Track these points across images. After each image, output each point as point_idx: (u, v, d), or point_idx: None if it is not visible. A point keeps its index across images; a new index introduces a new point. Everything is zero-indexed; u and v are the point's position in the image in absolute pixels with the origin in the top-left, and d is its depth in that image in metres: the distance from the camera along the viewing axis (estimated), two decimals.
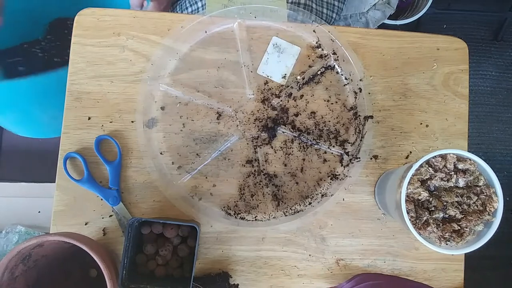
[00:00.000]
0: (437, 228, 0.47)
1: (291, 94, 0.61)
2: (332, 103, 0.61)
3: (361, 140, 0.59)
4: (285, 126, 0.60)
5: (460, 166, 0.48)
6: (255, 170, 0.59)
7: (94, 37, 0.60)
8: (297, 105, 0.61)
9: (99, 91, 0.59)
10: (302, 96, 0.61)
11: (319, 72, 0.61)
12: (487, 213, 0.47)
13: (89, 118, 0.59)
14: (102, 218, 0.58)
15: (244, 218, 0.58)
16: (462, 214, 0.47)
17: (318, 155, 0.60)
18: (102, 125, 0.59)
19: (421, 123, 0.61)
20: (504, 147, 1.43)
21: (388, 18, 0.84)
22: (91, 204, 0.58)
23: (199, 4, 0.71)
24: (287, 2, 0.68)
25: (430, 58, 0.63)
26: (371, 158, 0.60)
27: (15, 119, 0.96)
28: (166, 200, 0.58)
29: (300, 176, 0.59)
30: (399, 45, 0.63)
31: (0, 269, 0.46)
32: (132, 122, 0.59)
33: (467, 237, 0.47)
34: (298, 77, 0.61)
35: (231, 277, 0.57)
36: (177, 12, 0.78)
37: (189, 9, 0.74)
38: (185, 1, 0.75)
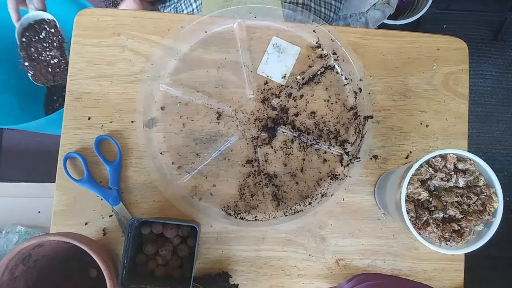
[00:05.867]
0: (437, 228, 0.47)
1: (291, 94, 0.61)
2: (332, 103, 0.61)
3: (361, 140, 0.59)
4: (285, 126, 0.60)
5: (460, 166, 0.48)
6: (255, 170, 0.59)
7: (94, 37, 0.60)
8: (297, 105, 0.61)
9: (99, 91, 0.59)
10: (302, 96, 0.61)
11: (319, 72, 0.61)
12: (487, 213, 0.47)
13: (89, 118, 0.59)
14: (102, 218, 0.58)
15: (244, 218, 0.58)
16: (462, 214, 0.47)
17: (318, 155, 0.60)
18: (102, 125, 0.59)
19: (421, 123, 0.61)
20: (504, 147, 1.43)
21: (388, 18, 0.84)
22: (91, 204, 0.58)
23: (194, 5, 0.72)
24: (286, 2, 0.68)
25: (430, 58, 0.63)
26: (371, 158, 0.60)
27: None
28: (166, 200, 0.58)
29: (300, 176, 0.59)
30: (399, 45, 0.63)
31: (0, 269, 0.46)
32: (132, 122, 0.59)
33: (467, 237, 0.47)
34: (298, 77, 0.61)
35: (231, 277, 0.57)
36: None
37: (185, 12, 0.74)
38: (180, 4, 0.75)
